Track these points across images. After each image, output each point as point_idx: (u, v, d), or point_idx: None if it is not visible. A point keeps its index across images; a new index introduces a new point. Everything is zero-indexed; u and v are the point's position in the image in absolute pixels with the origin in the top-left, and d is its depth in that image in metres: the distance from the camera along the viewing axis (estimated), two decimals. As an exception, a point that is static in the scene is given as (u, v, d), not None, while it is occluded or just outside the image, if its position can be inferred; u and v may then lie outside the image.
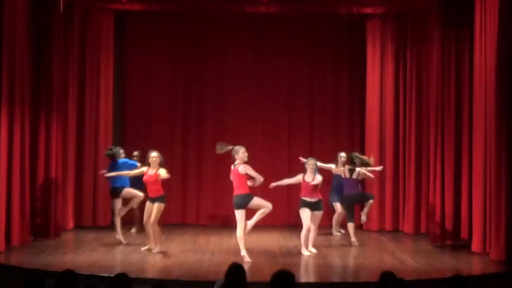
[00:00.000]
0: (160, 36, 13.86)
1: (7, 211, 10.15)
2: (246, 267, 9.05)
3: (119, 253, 10.26)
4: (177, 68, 13.96)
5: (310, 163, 10.51)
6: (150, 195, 10.36)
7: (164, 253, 10.18)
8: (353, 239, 11.29)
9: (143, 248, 10.42)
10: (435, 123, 11.57)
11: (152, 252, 10.21)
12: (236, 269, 5.33)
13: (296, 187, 13.56)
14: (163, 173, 10.23)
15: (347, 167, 11.52)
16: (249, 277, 8.08)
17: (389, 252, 10.68)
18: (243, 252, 9.67)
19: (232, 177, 9.82)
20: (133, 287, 5.31)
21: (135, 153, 12.36)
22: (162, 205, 10.26)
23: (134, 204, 11.50)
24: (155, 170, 10.28)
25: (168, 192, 10.63)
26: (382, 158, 13.17)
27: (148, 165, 10.35)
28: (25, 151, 10.61)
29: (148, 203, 10.37)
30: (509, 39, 9.77)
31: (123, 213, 11.21)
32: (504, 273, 9.11)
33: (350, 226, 11.38)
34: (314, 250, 10.37)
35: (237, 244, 9.79)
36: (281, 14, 13.37)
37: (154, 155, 10.34)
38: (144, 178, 10.37)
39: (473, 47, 10.82)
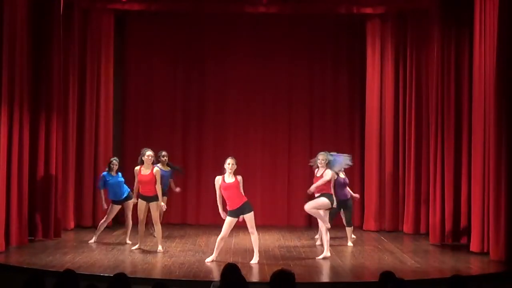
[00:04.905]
0: (160, 36, 13.86)
1: (6, 211, 10.15)
2: (247, 267, 9.11)
3: (119, 253, 10.25)
4: (177, 67, 13.96)
5: (320, 158, 10.43)
6: (146, 194, 10.34)
7: (164, 253, 10.19)
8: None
9: (134, 248, 10.47)
10: (435, 123, 11.57)
11: (151, 251, 10.24)
12: (231, 270, 5.31)
13: (296, 187, 13.62)
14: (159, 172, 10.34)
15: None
16: (249, 277, 8.13)
17: (389, 252, 10.67)
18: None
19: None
20: (133, 287, 5.31)
21: (163, 153, 11.67)
22: (158, 204, 10.33)
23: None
24: (150, 169, 10.30)
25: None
26: (382, 158, 13.17)
27: (142, 163, 10.33)
28: (25, 151, 10.59)
29: (141, 202, 10.37)
30: (509, 39, 9.78)
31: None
32: (503, 273, 9.11)
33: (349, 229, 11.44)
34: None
35: (237, 244, 9.76)
36: (281, 14, 13.35)
37: (150, 153, 10.33)
38: (139, 177, 10.33)
39: (473, 47, 10.83)
